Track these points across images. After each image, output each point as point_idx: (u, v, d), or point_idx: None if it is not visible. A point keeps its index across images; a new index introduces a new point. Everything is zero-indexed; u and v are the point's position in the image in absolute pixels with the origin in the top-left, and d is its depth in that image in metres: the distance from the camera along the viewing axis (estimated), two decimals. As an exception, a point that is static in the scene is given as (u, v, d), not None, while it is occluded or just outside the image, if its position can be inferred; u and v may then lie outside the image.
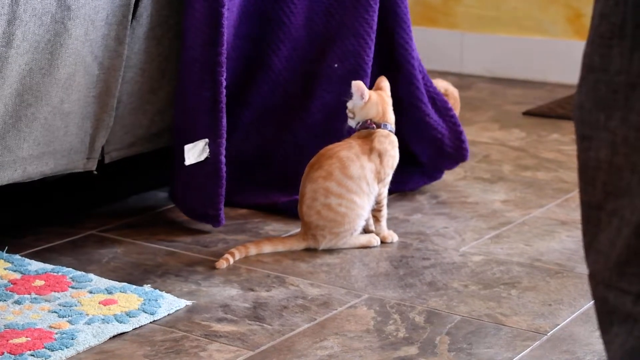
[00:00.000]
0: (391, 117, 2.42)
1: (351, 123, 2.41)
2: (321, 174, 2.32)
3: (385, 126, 2.39)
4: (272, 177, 2.70)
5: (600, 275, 1.03)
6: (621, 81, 0.98)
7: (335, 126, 2.57)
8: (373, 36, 2.59)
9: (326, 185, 2.31)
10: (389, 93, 2.44)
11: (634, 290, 0.99)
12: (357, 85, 2.37)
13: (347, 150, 2.34)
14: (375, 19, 2.59)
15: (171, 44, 2.45)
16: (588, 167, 1.02)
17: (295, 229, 2.44)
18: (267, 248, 2.33)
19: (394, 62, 2.68)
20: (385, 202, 2.41)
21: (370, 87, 2.47)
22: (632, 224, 0.98)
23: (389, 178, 2.39)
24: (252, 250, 2.31)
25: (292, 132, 2.66)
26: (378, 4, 2.59)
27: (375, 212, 2.40)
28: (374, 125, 2.38)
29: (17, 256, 2.27)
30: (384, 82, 2.45)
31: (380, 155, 2.36)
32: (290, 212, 2.55)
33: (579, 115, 1.03)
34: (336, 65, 2.60)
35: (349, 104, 2.40)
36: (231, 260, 2.25)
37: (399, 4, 2.65)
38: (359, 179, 2.33)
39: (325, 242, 2.35)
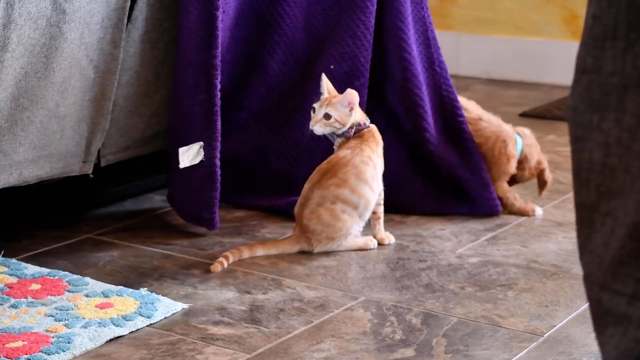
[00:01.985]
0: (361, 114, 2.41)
1: (341, 132, 2.39)
2: (335, 181, 2.33)
3: (367, 121, 2.41)
4: (269, 179, 2.70)
5: (594, 277, 1.03)
6: (614, 82, 0.98)
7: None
8: (370, 38, 2.59)
9: (338, 192, 2.32)
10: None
11: (628, 292, 0.99)
12: (354, 96, 2.35)
13: (360, 156, 2.34)
14: (373, 20, 2.59)
15: (166, 47, 2.45)
16: (582, 169, 1.02)
17: (292, 232, 2.44)
18: (260, 251, 2.33)
19: (393, 62, 2.66)
20: (383, 196, 2.41)
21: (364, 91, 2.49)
22: (625, 225, 0.98)
23: None
24: (246, 253, 2.31)
25: (289, 134, 2.66)
26: (375, 5, 2.59)
27: (376, 206, 2.40)
28: (368, 124, 2.39)
29: (14, 260, 2.27)
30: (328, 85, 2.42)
31: (378, 146, 2.39)
32: (287, 213, 2.55)
33: (573, 117, 1.03)
34: (332, 67, 2.59)
35: (334, 115, 2.34)
36: (225, 264, 2.26)
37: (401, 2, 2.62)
38: (372, 180, 2.34)
39: (320, 246, 2.35)
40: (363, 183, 2.34)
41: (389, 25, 2.62)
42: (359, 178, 2.33)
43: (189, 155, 2.39)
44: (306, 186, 2.38)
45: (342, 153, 2.36)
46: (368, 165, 2.35)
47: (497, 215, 2.62)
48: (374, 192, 2.36)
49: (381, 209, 2.42)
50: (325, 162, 2.38)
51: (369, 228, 2.43)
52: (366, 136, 2.38)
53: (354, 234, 2.37)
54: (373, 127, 2.41)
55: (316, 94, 2.62)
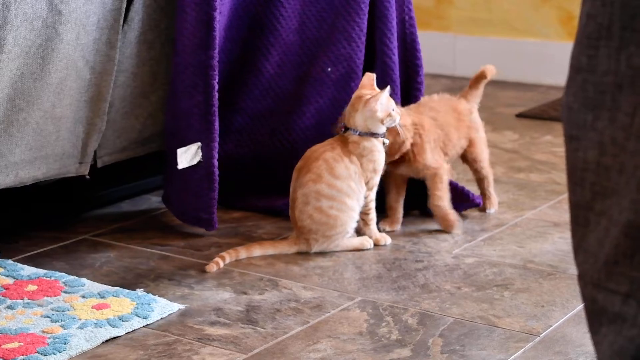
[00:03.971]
0: (356, 121, 2.36)
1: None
2: (311, 177, 2.33)
3: (351, 130, 2.37)
4: (266, 180, 2.70)
5: (589, 276, 1.03)
6: (608, 82, 0.98)
7: (328, 130, 2.57)
8: (364, 39, 2.59)
9: (317, 188, 2.32)
10: (370, 91, 2.40)
11: (622, 291, 0.99)
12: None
13: (331, 151, 2.34)
14: (366, 22, 2.59)
15: (163, 48, 2.45)
16: (576, 168, 1.02)
17: (288, 232, 2.44)
18: (258, 251, 2.33)
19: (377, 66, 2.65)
20: (373, 205, 2.40)
21: None
22: (620, 224, 0.98)
23: (374, 181, 2.39)
24: (243, 253, 2.31)
25: (285, 136, 2.66)
26: (368, 7, 2.59)
27: (363, 215, 2.40)
28: (343, 129, 2.38)
29: (10, 261, 2.27)
30: (365, 79, 2.42)
31: (358, 158, 2.36)
32: (284, 214, 2.55)
33: (567, 116, 1.03)
34: (329, 70, 2.59)
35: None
36: (221, 264, 2.25)
37: (387, 7, 2.62)
38: (346, 178, 2.33)
39: (317, 245, 2.35)
40: (335, 178, 2.32)
41: (374, 29, 2.62)
42: (331, 174, 2.32)
43: (187, 156, 2.39)
44: (290, 189, 2.38)
45: (315, 147, 2.37)
46: (339, 162, 2.33)
47: (492, 214, 2.63)
48: (353, 190, 2.34)
49: (370, 216, 2.41)
50: (300, 159, 2.38)
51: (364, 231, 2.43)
52: (343, 140, 2.37)
53: (350, 232, 2.37)
54: (351, 136, 2.35)
55: (314, 95, 2.62)
